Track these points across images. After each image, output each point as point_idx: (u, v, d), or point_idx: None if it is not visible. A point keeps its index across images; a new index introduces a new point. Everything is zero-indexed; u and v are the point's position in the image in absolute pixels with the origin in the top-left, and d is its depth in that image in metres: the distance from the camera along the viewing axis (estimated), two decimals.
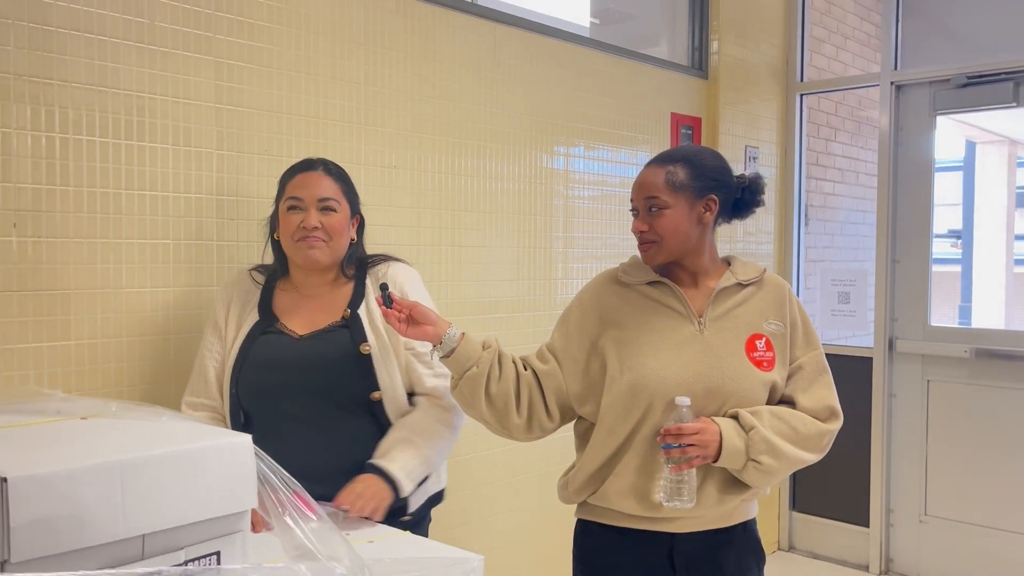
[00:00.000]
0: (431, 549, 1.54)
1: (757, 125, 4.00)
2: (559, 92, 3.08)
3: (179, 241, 2.08)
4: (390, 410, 1.86)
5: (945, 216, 8.59)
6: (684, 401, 1.65)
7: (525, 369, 1.81)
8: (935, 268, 3.90)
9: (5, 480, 0.92)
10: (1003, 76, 3.61)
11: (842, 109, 4.79)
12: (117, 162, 1.97)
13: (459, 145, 2.74)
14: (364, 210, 1.99)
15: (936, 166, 3.85)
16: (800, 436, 1.71)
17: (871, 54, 4.99)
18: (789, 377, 1.78)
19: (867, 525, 3.93)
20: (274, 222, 1.93)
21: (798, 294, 4.18)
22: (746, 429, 1.66)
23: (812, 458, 1.74)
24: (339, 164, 1.95)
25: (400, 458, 1.79)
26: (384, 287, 1.74)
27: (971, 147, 8.21)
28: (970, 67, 3.69)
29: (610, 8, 3.65)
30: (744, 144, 3.92)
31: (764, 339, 1.76)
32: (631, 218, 1.81)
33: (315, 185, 1.86)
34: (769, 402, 1.75)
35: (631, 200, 1.80)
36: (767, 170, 4.06)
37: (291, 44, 2.29)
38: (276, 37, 2.25)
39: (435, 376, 1.89)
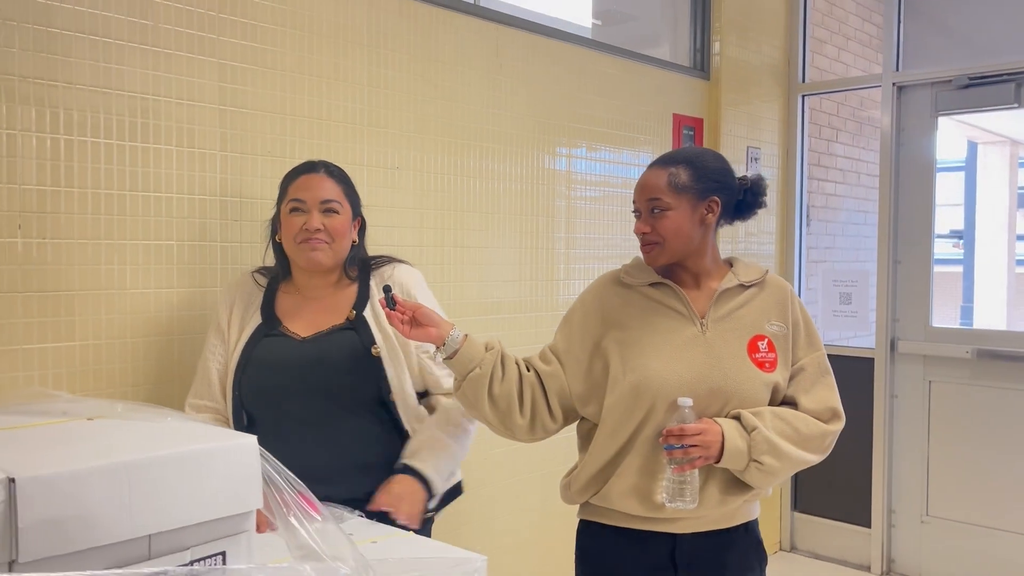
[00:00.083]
0: (434, 549, 1.54)
1: (759, 126, 4.01)
2: (561, 93, 3.08)
3: (183, 242, 2.09)
4: (401, 410, 1.87)
5: (946, 216, 8.56)
6: (686, 402, 1.65)
7: (528, 370, 1.81)
8: (936, 268, 3.89)
9: (13, 481, 0.93)
10: (1005, 77, 3.62)
11: (844, 110, 4.79)
12: (121, 163, 1.98)
13: (462, 146, 2.74)
14: (367, 211, 1.99)
15: (937, 167, 3.85)
16: (802, 437, 1.71)
17: (873, 55, 4.99)
18: (791, 378, 1.78)
19: (869, 526, 3.93)
20: (276, 224, 1.93)
21: (800, 295, 4.18)
22: (748, 430, 1.67)
23: (814, 459, 1.75)
24: (342, 165, 1.96)
25: (431, 458, 1.83)
26: (387, 289, 1.75)
27: (973, 147, 8.19)
28: (972, 68, 3.69)
29: (612, 9, 3.65)
30: (746, 145, 3.92)
31: (766, 340, 1.76)
32: (633, 219, 1.81)
33: (317, 187, 1.86)
34: (771, 403, 1.75)
35: (633, 201, 1.80)
36: (769, 171, 4.06)
37: (294, 46, 2.29)
38: (279, 39, 2.26)
39: (450, 376, 1.91)
